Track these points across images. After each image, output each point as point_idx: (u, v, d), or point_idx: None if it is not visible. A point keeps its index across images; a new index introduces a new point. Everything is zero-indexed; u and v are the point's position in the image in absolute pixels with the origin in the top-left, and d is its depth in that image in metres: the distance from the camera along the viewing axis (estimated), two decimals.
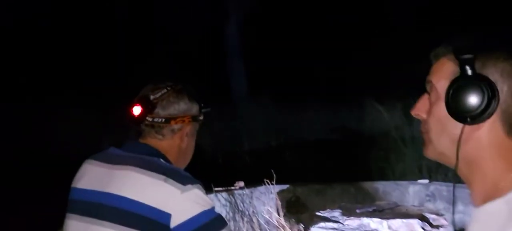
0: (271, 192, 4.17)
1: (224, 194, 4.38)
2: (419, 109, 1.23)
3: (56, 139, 7.86)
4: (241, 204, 4.32)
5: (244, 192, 4.39)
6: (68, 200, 1.94)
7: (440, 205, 4.80)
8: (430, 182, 5.16)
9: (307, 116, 9.18)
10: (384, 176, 6.26)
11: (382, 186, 5.01)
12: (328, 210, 4.20)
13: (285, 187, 4.70)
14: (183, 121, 1.96)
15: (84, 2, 11.54)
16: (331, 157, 7.35)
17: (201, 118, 2.04)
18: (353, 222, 4.01)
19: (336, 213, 4.14)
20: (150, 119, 1.93)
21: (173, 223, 1.75)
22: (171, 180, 1.77)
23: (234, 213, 4.25)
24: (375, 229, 3.95)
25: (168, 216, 1.75)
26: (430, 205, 4.82)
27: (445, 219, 4.14)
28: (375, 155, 7.03)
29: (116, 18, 11.85)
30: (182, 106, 1.96)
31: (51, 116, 8.66)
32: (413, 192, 5.01)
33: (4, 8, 11.01)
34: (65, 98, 9.25)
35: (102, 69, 10.61)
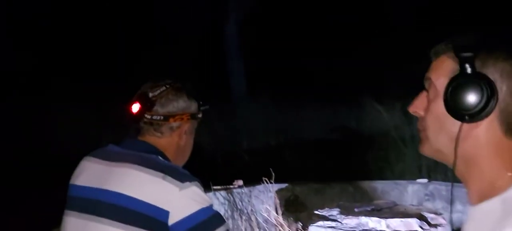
0: (270, 191, 4.18)
1: (223, 193, 4.39)
2: (417, 107, 1.23)
3: (56, 138, 7.86)
4: (240, 203, 4.33)
5: (243, 190, 4.41)
6: (66, 197, 1.94)
7: (439, 205, 4.81)
8: (429, 181, 5.17)
9: (307, 116, 9.19)
10: (383, 176, 6.27)
11: (381, 185, 5.03)
12: (326, 209, 4.20)
13: (284, 186, 4.72)
14: (182, 119, 1.97)
15: (84, 2, 11.54)
16: (330, 156, 7.35)
17: (200, 115, 2.04)
18: (351, 221, 4.01)
19: (335, 212, 4.13)
20: (148, 117, 1.93)
21: (171, 220, 1.75)
22: (169, 178, 1.77)
23: (232, 212, 4.27)
24: (373, 228, 3.95)
25: (166, 213, 1.75)
26: (429, 205, 4.83)
27: (444, 218, 4.14)
28: (375, 154, 7.04)
29: (116, 18, 11.85)
30: (181, 104, 1.96)
31: (51, 115, 8.66)
32: (412, 191, 5.03)
33: (4, 8, 11.02)
34: (65, 98, 9.25)
35: (102, 70, 10.61)
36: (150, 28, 11.89)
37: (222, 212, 4.11)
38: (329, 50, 10.84)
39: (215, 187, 4.32)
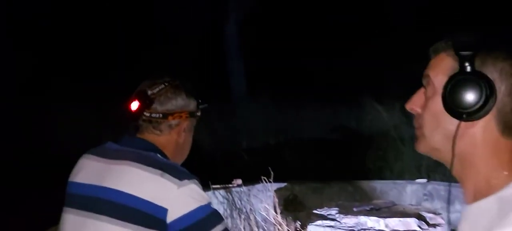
0: (269, 190, 4.18)
1: (222, 192, 4.39)
2: (414, 103, 1.23)
3: (56, 138, 7.86)
4: (239, 202, 4.34)
5: (242, 189, 4.41)
6: (65, 194, 1.95)
7: (438, 204, 4.82)
8: (428, 181, 5.18)
9: (306, 115, 9.19)
10: (382, 175, 6.28)
11: (379, 185, 5.04)
12: (325, 208, 4.21)
13: (283, 185, 4.73)
14: (181, 117, 1.97)
15: (84, 2, 11.54)
16: (330, 156, 7.36)
17: (199, 113, 2.04)
18: (350, 220, 4.02)
19: (334, 212, 4.14)
20: (147, 114, 1.93)
21: (170, 218, 1.75)
22: (167, 175, 1.77)
23: (231, 211, 4.27)
24: (372, 228, 3.96)
25: (164, 210, 1.75)
26: (427, 204, 4.84)
27: (442, 218, 4.15)
28: (374, 154, 7.05)
29: (116, 18, 11.85)
30: (180, 102, 1.96)
31: (51, 115, 8.67)
32: (410, 191, 5.04)
33: (4, 8, 11.01)
34: (65, 98, 9.25)
35: (102, 70, 10.61)
36: (150, 28, 11.89)
37: (221, 211, 4.11)
38: (329, 50, 10.84)
39: (214, 186, 4.33)
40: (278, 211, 4.04)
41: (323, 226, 3.96)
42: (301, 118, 9.20)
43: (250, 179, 4.57)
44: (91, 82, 9.80)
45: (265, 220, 3.98)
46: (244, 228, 3.94)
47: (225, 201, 4.33)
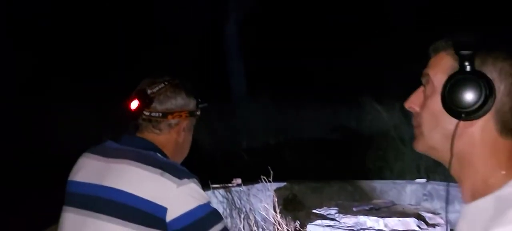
0: (268, 190, 4.19)
1: (222, 191, 4.39)
2: (413, 102, 1.22)
3: (56, 138, 7.87)
4: (238, 201, 4.34)
5: (241, 189, 4.41)
6: (65, 193, 1.95)
7: (437, 204, 4.82)
8: (427, 181, 5.19)
9: (306, 115, 9.20)
10: (382, 175, 6.28)
11: (379, 185, 5.04)
12: (324, 208, 4.21)
13: (282, 184, 4.74)
14: (180, 116, 1.97)
15: (84, 2, 11.54)
16: (329, 156, 7.36)
17: (198, 113, 2.04)
18: (349, 220, 4.02)
19: (333, 211, 4.15)
20: (147, 113, 1.93)
21: (169, 217, 1.76)
22: (167, 174, 1.78)
23: (231, 210, 4.27)
24: (371, 227, 3.97)
25: (164, 209, 1.75)
26: (427, 204, 4.84)
27: (442, 218, 4.16)
28: (374, 154, 7.05)
29: (116, 18, 11.85)
30: (179, 101, 1.96)
31: (51, 115, 8.67)
32: (410, 191, 5.04)
33: (4, 8, 11.02)
34: (65, 98, 9.26)
35: (102, 70, 10.61)
36: (150, 28, 11.89)
37: (220, 211, 4.10)
38: (329, 50, 10.84)
39: (213, 186, 4.33)
40: (278, 210, 4.05)
41: (323, 226, 3.97)
42: (301, 117, 9.21)
43: (250, 179, 4.57)
44: (91, 82, 9.81)
45: (264, 219, 3.98)
46: (243, 227, 3.95)
47: (225, 200, 4.33)
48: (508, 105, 1.11)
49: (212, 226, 1.81)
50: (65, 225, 1.89)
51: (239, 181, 4.57)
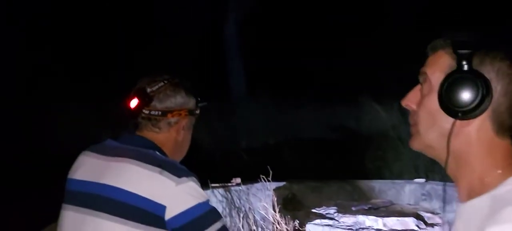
0: (268, 189, 4.19)
1: (221, 190, 4.40)
2: (410, 100, 1.23)
3: (56, 138, 7.87)
4: (238, 201, 4.35)
5: (240, 188, 4.42)
6: (64, 191, 1.95)
7: (436, 204, 4.83)
8: (426, 181, 5.19)
9: (306, 115, 9.20)
10: (381, 175, 6.28)
11: (378, 185, 5.05)
12: (324, 207, 4.22)
13: (282, 184, 4.74)
14: (180, 114, 1.97)
15: (84, 2, 11.54)
16: (329, 155, 7.37)
17: (198, 111, 2.05)
18: (348, 219, 4.03)
19: (332, 211, 4.16)
20: (146, 112, 1.94)
21: (168, 215, 1.76)
22: (166, 173, 1.78)
23: (230, 209, 4.28)
24: (370, 227, 3.97)
25: (163, 208, 1.76)
26: (425, 204, 4.85)
27: (440, 218, 4.17)
28: (373, 154, 7.05)
29: (116, 18, 11.85)
30: (179, 99, 1.97)
31: (51, 115, 8.67)
32: (409, 191, 5.05)
33: (4, 8, 11.01)
34: (65, 98, 9.26)
35: (102, 70, 10.61)
36: (150, 28, 11.89)
37: (220, 210, 4.11)
38: (329, 50, 10.83)
39: (213, 185, 4.33)
40: (277, 210, 4.05)
41: (322, 225, 3.97)
42: (300, 117, 9.21)
43: (249, 178, 4.58)
44: (91, 82, 9.81)
45: (263, 219, 3.99)
46: (242, 226, 3.95)
47: (224, 199, 4.34)
48: (505, 105, 1.12)
49: (210, 224, 1.81)
50: (65, 223, 1.90)
51: (238, 180, 4.57)
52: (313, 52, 10.84)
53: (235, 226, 4.07)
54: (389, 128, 7.37)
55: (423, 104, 1.19)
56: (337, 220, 4.01)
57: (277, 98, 9.51)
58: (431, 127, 1.17)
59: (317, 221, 3.99)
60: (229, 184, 4.50)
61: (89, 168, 1.91)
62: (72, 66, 10.66)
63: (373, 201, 4.52)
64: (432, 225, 4.06)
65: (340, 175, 5.49)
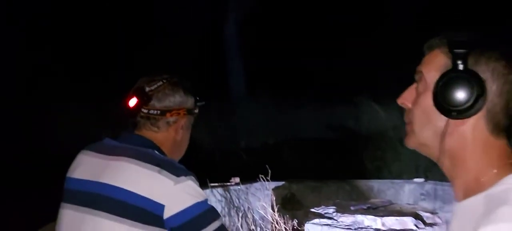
0: (267, 189, 4.20)
1: (220, 190, 4.40)
2: (405, 99, 1.23)
3: (56, 138, 7.87)
4: (237, 200, 4.35)
5: (240, 188, 4.42)
6: (63, 190, 1.96)
7: (435, 204, 4.83)
8: (425, 181, 5.19)
9: (305, 115, 9.21)
10: (380, 175, 6.29)
11: (377, 184, 5.05)
12: (322, 207, 4.22)
13: (280, 183, 4.75)
14: (178, 114, 1.98)
15: (84, 2, 11.55)
16: (328, 155, 7.37)
17: (196, 111, 2.05)
18: (347, 219, 4.03)
19: (331, 210, 4.15)
20: (145, 111, 1.94)
21: (167, 214, 1.77)
22: (165, 171, 1.78)
23: (229, 209, 4.28)
24: (369, 226, 3.97)
25: (161, 207, 1.76)
26: (424, 204, 4.85)
27: (439, 218, 4.17)
28: (372, 154, 7.05)
29: (116, 18, 11.85)
30: (178, 99, 1.97)
31: (51, 115, 8.67)
32: (408, 190, 5.05)
33: (4, 8, 11.02)
34: (65, 98, 9.26)
35: (102, 70, 10.62)
36: (150, 28, 11.89)
37: (219, 209, 4.11)
38: (329, 50, 10.83)
39: (212, 184, 4.34)
40: (276, 209, 4.06)
41: (320, 225, 3.97)
42: (299, 117, 9.22)
43: (248, 178, 4.58)
44: (91, 82, 9.81)
45: (262, 218, 3.99)
46: (241, 226, 3.96)
47: (223, 199, 4.34)
48: (500, 105, 1.12)
49: (209, 223, 1.81)
50: (64, 221, 1.90)
51: (237, 179, 4.58)
52: (313, 52, 10.84)
53: (234, 225, 4.07)
54: (388, 128, 7.37)
55: (418, 103, 1.19)
56: (336, 220, 4.01)
57: (277, 98, 9.52)
58: (426, 125, 1.17)
59: (316, 220, 3.99)
60: (228, 184, 4.50)
61: (88, 167, 1.91)
62: (72, 66, 10.66)
63: (372, 200, 4.52)
64: (431, 224, 4.07)
65: (339, 175, 5.49)
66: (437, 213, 4.28)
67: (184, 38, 11.49)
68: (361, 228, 3.96)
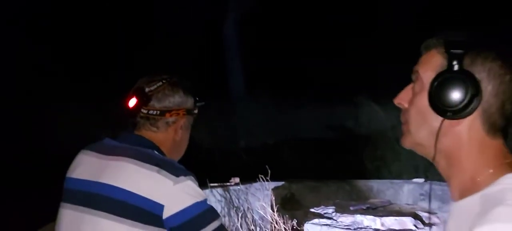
0: (266, 189, 4.20)
1: (220, 190, 4.40)
2: (402, 98, 1.24)
3: (56, 138, 7.87)
4: (237, 200, 4.35)
5: (239, 188, 4.42)
6: (63, 190, 1.96)
7: (434, 204, 4.83)
8: (425, 181, 5.19)
9: (305, 115, 9.22)
10: (380, 175, 6.29)
11: (376, 184, 5.05)
12: (322, 207, 4.23)
13: (280, 184, 4.75)
14: (178, 114, 1.98)
15: (84, 2, 11.55)
16: (328, 155, 7.38)
17: (196, 111, 2.05)
18: (346, 219, 4.03)
19: (330, 210, 4.16)
20: (145, 111, 1.95)
21: (166, 214, 1.77)
22: (164, 171, 1.79)
23: (229, 209, 4.28)
24: (368, 226, 3.98)
25: (161, 207, 1.76)
26: (424, 204, 4.85)
27: (438, 217, 4.17)
28: (372, 154, 7.05)
29: (116, 18, 11.85)
30: (177, 99, 1.97)
31: (51, 115, 8.68)
32: (407, 190, 5.05)
33: (4, 8, 11.01)
34: (65, 98, 9.26)
35: (102, 70, 10.62)
36: (150, 28, 11.89)
37: (218, 209, 4.12)
38: (329, 50, 10.84)
39: (212, 184, 4.34)
40: (275, 209, 4.06)
41: (320, 225, 3.97)
42: (299, 117, 9.22)
43: (248, 178, 4.59)
44: (91, 82, 9.82)
45: (262, 218, 4.00)
46: (241, 226, 3.96)
47: (223, 199, 4.34)
48: (496, 106, 1.12)
49: (208, 223, 1.82)
50: (63, 221, 1.90)
51: (237, 180, 4.58)
52: (313, 52, 10.85)
53: (233, 225, 4.08)
54: (388, 128, 7.37)
55: (414, 103, 1.20)
56: (335, 220, 4.02)
57: (277, 98, 9.52)
58: (422, 125, 1.18)
59: (315, 220, 3.99)
60: (228, 184, 4.51)
61: (88, 166, 1.91)
62: (72, 66, 10.67)
63: (372, 200, 4.52)
64: (430, 224, 4.07)
65: (339, 175, 5.49)
66: (436, 213, 4.28)
67: (184, 38, 11.49)
68: (361, 228, 3.96)
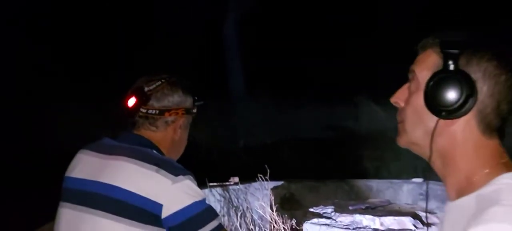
0: (266, 188, 4.20)
1: (219, 189, 4.41)
2: (398, 98, 1.25)
3: (56, 138, 7.87)
4: (236, 200, 4.36)
5: (238, 187, 4.42)
6: (62, 189, 1.96)
7: (434, 204, 4.84)
8: (424, 181, 5.19)
9: (304, 115, 9.22)
10: (379, 175, 6.29)
11: (376, 184, 5.05)
12: (321, 206, 4.23)
13: (279, 183, 4.75)
14: (177, 113, 1.98)
15: (84, 2, 11.55)
16: (327, 155, 7.38)
17: (195, 110, 2.06)
18: (345, 218, 4.03)
19: (329, 210, 4.16)
20: (144, 110, 1.95)
21: (165, 213, 1.77)
22: (163, 171, 1.79)
23: (228, 208, 4.29)
24: (367, 226, 3.98)
25: (159, 206, 1.76)
26: (423, 204, 4.85)
27: (437, 217, 4.17)
28: (371, 153, 7.05)
29: (116, 18, 11.85)
30: (176, 98, 1.98)
31: (51, 115, 8.68)
32: (406, 190, 5.05)
33: (4, 8, 11.02)
34: (65, 98, 9.27)
35: (102, 70, 10.62)
36: (150, 28, 11.90)
37: (218, 209, 4.12)
38: (328, 50, 10.84)
39: (211, 184, 4.34)
40: (274, 209, 4.06)
41: (319, 224, 3.98)
42: (299, 117, 9.22)
43: (247, 177, 4.59)
44: (91, 82, 9.82)
45: (261, 218, 4.00)
46: (240, 225, 3.96)
47: (222, 198, 4.34)
48: (491, 106, 1.12)
49: (207, 222, 1.82)
50: (62, 220, 1.91)
51: (236, 179, 4.58)
52: (313, 52, 10.85)
53: (232, 225, 4.08)
54: (388, 128, 7.37)
55: (410, 102, 1.20)
56: (335, 220, 4.02)
57: (277, 98, 9.52)
58: (417, 124, 1.18)
59: (315, 220, 3.99)
60: (227, 183, 4.51)
61: (87, 166, 1.92)
62: (72, 66, 10.67)
63: (371, 200, 4.53)
64: (429, 224, 4.07)
65: (338, 175, 5.49)
66: (435, 213, 4.28)
67: (184, 38, 11.50)
68: (360, 227, 3.96)
